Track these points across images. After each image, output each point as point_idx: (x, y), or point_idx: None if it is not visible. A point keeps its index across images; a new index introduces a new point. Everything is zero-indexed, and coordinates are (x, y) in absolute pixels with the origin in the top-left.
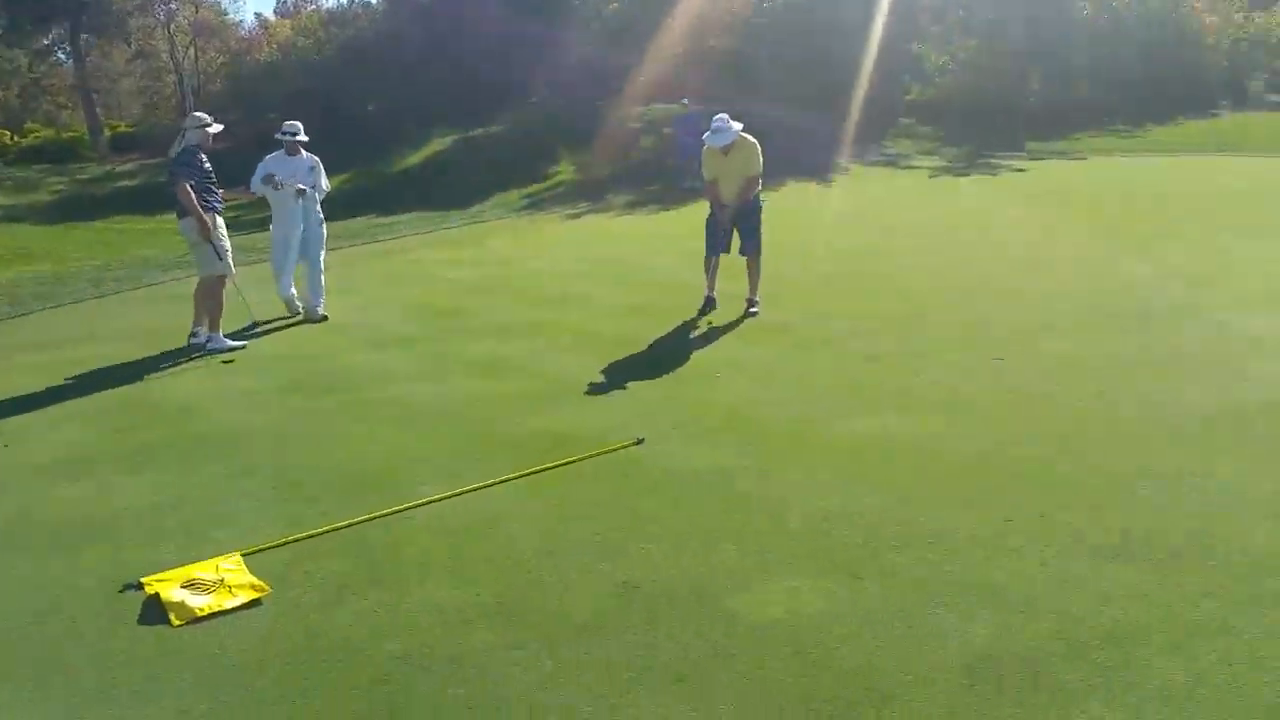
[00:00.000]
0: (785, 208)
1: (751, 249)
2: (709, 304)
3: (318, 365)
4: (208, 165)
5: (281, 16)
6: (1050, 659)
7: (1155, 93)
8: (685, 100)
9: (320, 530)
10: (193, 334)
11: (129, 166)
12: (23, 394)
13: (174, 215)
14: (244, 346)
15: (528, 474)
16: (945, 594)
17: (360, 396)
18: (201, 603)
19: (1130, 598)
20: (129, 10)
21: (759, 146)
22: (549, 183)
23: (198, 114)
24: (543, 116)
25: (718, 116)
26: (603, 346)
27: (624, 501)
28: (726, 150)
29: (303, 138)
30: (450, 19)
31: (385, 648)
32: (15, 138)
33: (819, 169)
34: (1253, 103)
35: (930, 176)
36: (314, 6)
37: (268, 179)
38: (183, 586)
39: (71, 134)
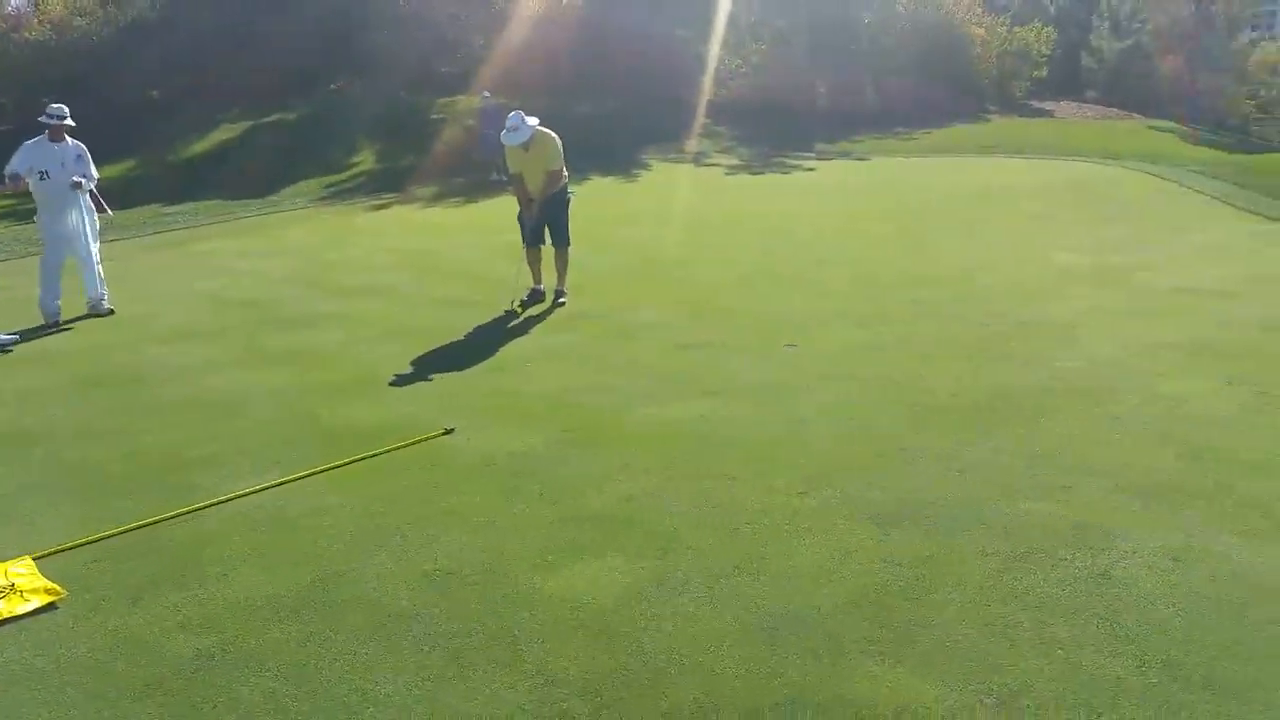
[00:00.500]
0: (591, 200)
1: (560, 240)
2: (534, 295)
3: (111, 359)
4: None
5: None
6: (838, 617)
7: (931, 98)
8: (486, 94)
9: (119, 530)
10: None
11: None
12: None
13: None
14: (18, 338)
15: (337, 466)
16: (745, 566)
17: (158, 391)
18: None
19: (915, 560)
20: None
21: (558, 140)
22: (350, 172)
23: None
24: (342, 104)
25: (512, 114)
26: (412, 338)
27: (434, 491)
28: (526, 146)
29: (69, 122)
30: (241, 1)
31: (190, 646)
32: None
33: (623, 164)
34: (1018, 109)
35: (726, 174)
36: None
37: (29, 171)
38: None
39: None
